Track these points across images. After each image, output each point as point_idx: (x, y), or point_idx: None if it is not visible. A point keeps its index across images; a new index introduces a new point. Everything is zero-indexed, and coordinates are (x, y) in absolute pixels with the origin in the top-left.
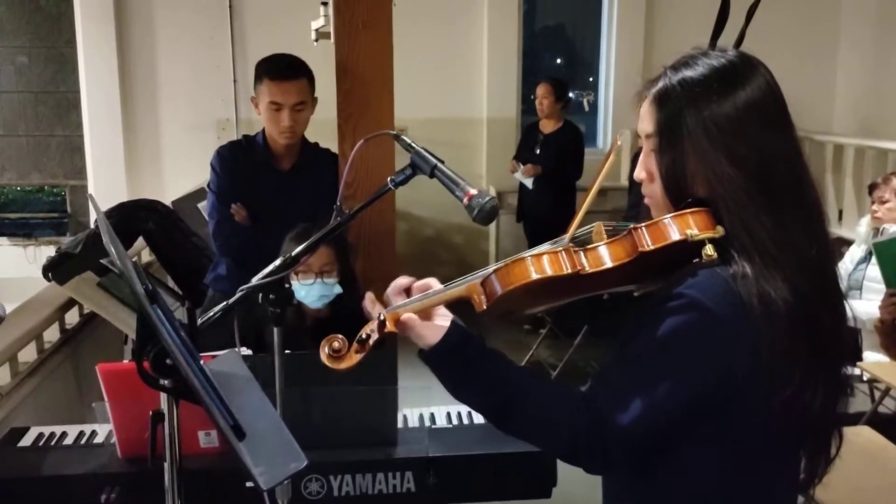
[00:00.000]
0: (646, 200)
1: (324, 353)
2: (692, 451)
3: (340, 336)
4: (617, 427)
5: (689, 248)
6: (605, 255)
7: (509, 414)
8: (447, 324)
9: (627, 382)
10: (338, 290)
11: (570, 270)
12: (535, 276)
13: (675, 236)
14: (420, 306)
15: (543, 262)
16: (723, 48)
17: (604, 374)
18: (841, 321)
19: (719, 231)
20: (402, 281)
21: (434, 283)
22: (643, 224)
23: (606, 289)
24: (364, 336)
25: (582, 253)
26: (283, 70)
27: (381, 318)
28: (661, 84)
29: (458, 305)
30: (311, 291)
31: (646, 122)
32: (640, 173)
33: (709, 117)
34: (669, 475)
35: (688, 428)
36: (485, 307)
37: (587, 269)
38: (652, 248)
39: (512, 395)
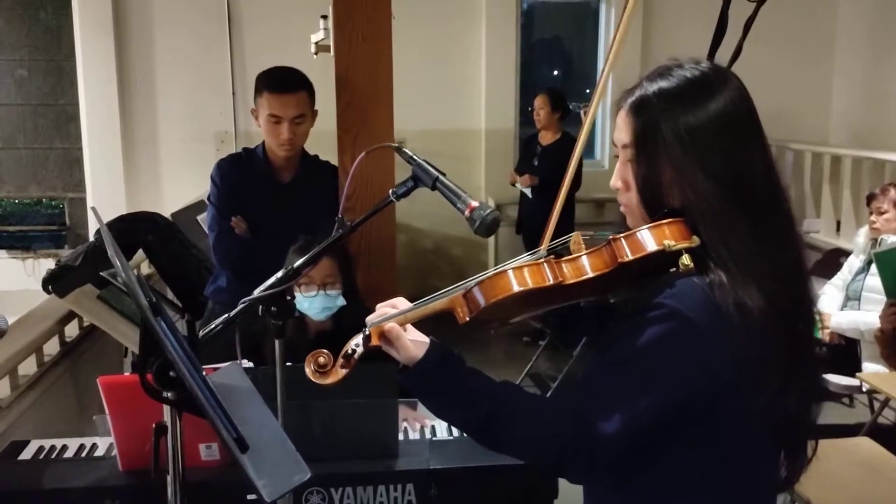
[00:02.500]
0: (621, 209)
1: (309, 368)
2: (675, 456)
3: (325, 351)
4: (601, 436)
5: (666, 258)
6: (586, 266)
7: (493, 428)
8: (426, 340)
9: (611, 392)
10: (341, 301)
11: (551, 282)
12: (517, 288)
13: (653, 247)
14: (403, 320)
15: (525, 274)
16: (696, 60)
17: (586, 384)
18: (812, 327)
19: (695, 241)
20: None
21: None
22: (622, 235)
23: (585, 297)
24: (349, 351)
25: (563, 264)
26: (282, 83)
27: (367, 332)
28: (637, 94)
29: (441, 316)
30: (313, 303)
31: (622, 131)
32: (615, 182)
33: (683, 127)
34: (653, 479)
35: (671, 433)
36: (467, 319)
37: (568, 279)
38: (631, 258)
39: (496, 409)
